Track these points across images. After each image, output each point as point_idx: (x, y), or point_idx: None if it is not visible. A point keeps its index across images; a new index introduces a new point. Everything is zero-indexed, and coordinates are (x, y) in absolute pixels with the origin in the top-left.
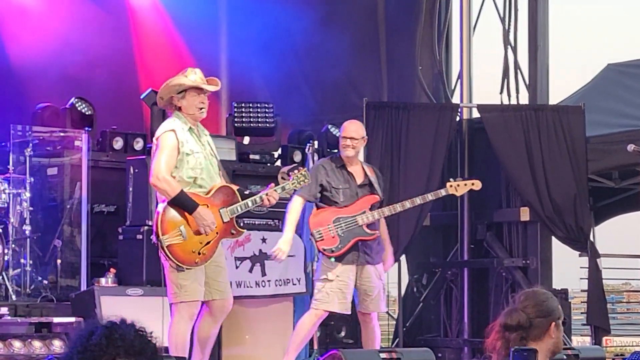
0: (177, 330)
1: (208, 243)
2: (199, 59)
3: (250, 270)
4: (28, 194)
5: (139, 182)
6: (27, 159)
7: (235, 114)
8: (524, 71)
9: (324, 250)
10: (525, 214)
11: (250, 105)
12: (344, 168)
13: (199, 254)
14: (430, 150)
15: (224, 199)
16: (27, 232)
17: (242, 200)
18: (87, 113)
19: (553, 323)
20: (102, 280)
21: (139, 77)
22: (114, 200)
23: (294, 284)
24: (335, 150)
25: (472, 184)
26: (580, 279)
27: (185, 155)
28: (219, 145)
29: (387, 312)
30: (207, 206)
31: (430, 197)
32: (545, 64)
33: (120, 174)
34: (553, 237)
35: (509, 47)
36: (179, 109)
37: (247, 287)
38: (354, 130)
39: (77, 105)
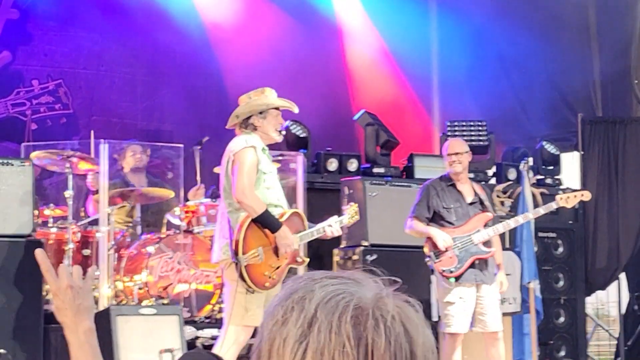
0: (225, 352)
1: (278, 267)
2: (411, 80)
3: None
4: None
5: (355, 202)
6: None
7: (449, 133)
8: None
9: (443, 271)
10: None
11: (464, 123)
12: (453, 187)
13: (270, 277)
14: None
15: (295, 225)
16: None
17: (307, 229)
18: (301, 135)
19: None
20: None
21: (351, 98)
22: None
23: (510, 303)
24: (551, 167)
25: (582, 195)
26: None
27: (262, 174)
28: (433, 164)
29: (608, 331)
30: None
31: (542, 210)
32: None
33: (335, 195)
34: None
35: None
36: (255, 128)
37: None
38: (457, 146)
39: (291, 128)
